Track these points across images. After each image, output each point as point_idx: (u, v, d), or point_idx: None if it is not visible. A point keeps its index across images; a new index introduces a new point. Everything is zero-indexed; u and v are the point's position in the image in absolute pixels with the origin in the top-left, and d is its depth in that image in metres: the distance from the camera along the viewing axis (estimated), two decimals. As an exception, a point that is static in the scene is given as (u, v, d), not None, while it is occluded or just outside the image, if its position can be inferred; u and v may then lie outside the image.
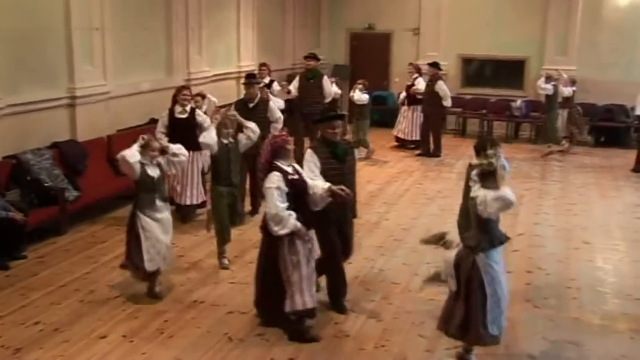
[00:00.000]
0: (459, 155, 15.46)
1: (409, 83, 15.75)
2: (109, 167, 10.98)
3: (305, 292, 6.42)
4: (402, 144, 16.10)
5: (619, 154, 15.72)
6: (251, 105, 10.31)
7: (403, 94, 15.96)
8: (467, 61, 18.72)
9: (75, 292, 7.63)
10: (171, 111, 10.03)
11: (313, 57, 13.88)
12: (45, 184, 9.31)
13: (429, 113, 15.13)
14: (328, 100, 13.49)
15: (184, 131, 9.56)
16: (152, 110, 11.74)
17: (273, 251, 6.45)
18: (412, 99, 15.65)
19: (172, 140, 8.86)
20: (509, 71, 18.12)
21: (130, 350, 6.37)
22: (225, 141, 8.38)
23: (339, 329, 6.84)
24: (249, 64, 16.03)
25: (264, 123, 9.90)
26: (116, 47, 11.61)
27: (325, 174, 6.77)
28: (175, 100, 10.09)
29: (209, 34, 14.54)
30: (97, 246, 9.13)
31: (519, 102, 17.34)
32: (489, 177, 5.91)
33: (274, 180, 6.29)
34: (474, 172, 6.07)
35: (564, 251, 9.31)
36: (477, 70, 18.62)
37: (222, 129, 8.44)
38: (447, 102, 15.23)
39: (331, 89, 13.70)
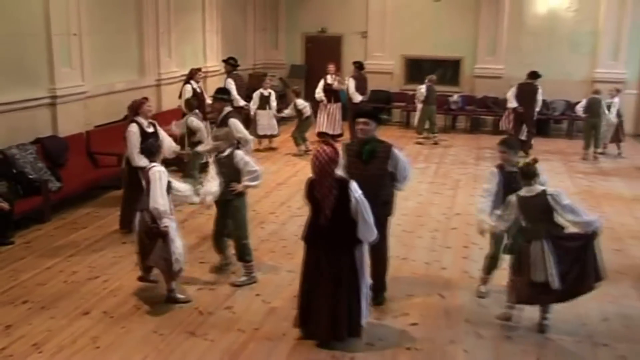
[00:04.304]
0: (403, 144, 15.61)
1: (332, 82, 15.03)
2: (88, 160, 10.96)
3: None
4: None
5: (542, 142, 15.95)
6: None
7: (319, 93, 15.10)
8: (409, 60, 18.85)
9: (60, 274, 7.62)
10: (140, 126, 8.60)
11: (225, 61, 13.29)
12: (30, 176, 9.24)
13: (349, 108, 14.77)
14: (238, 105, 12.80)
15: None
16: (127, 108, 11.52)
17: (352, 262, 5.89)
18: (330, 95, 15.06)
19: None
20: (447, 69, 18.35)
21: (110, 324, 6.40)
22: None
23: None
24: (214, 65, 16.00)
25: None
26: (92, 50, 11.52)
27: (348, 173, 6.19)
28: (137, 113, 8.71)
29: (177, 37, 14.46)
30: (78, 232, 9.08)
31: (455, 97, 17.58)
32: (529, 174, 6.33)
33: (359, 188, 5.78)
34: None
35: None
36: (419, 69, 18.71)
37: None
38: (354, 98, 14.88)
39: (233, 93, 12.76)
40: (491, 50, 17.84)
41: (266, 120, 14.33)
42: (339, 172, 5.86)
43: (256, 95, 14.33)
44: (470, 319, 6.62)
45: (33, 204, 9.15)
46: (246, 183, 7.35)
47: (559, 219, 6.25)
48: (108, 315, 6.59)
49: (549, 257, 6.12)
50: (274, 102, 14.46)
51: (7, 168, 9.13)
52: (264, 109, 14.30)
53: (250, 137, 9.33)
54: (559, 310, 6.68)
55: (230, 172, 7.31)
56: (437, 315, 6.76)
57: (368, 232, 5.84)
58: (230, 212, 7.43)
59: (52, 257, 8.11)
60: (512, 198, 6.34)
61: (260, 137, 14.39)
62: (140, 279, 7.19)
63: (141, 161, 7.98)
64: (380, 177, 6.57)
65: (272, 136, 14.66)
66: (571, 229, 6.30)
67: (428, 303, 7.06)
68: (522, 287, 6.32)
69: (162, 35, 13.86)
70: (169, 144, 8.99)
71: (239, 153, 7.42)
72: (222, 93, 9.78)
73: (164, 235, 6.65)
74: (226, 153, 7.35)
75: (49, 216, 9.44)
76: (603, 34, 17.05)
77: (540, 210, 6.21)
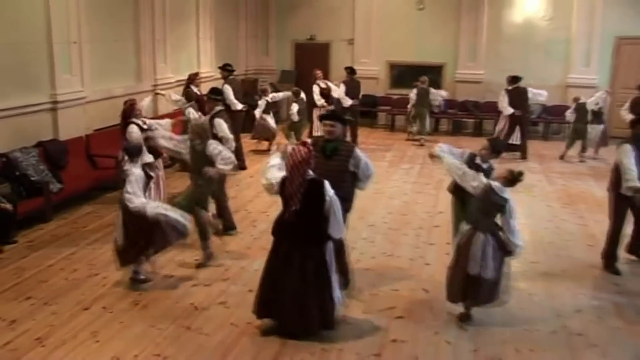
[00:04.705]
0: (388, 146, 15.68)
1: (325, 87, 15.07)
2: (88, 162, 10.94)
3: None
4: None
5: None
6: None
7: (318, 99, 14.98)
8: (394, 66, 18.90)
9: (61, 271, 7.60)
10: (138, 125, 9.03)
11: (221, 68, 13.31)
12: (32, 178, 9.22)
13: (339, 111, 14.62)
14: (235, 109, 12.74)
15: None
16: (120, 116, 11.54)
17: (322, 257, 5.95)
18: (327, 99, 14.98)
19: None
20: (430, 74, 18.33)
21: (109, 319, 6.39)
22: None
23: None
24: (208, 70, 15.99)
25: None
26: (92, 57, 11.51)
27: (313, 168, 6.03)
28: (130, 116, 9.15)
29: (172, 44, 14.44)
30: (78, 231, 9.06)
31: (443, 93, 17.55)
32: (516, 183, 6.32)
33: (331, 189, 5.86)
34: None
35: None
36: (403, 74, 18.76)
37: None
38: (344, 103, 14.78)
39: (231, 98, 12.69)
40: (471, 56, 17.95)
41: (272, 122, 14.67)
42: (311, 172, 5.87)
43: (262, 102, 14.53)
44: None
45: (35, 205, 9.12)
46: (220, 167, 7.66)
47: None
48: (107, 311, 6.58)
49: (488, 250, 6.19)
50: (281, 94, 15.16)
51: (10, 170, 9.10)
52: (269, 113, 14.60)
53: (230, 136, 9.32)
54: (536, 303, 6.78)
55: (201, 159, 7.64)
56: (422, 309, 6.80)
57: (338, 229, 5.91)
58: (192, 188, 7.78)
59: (53, 255, 8.08)
60: (485, 179, 6.40)
61: (260, 139, 14.75)
62: (134, 280, 7.20)
63: (147, 157, 8.42)
64: (340, 173, 6.59)
65: (273, 135, 14.82)
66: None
67: (413, 297, 7.09)
68: (458, 281, 6.39)
69: (158, 42, 13.83)
70: (164, 126, 9.50)
71: (213, 142, 7.69)
72: (215, 94, 9.97)
73: (156, 223, 6.85)
74: (198, 142, 7.69)
75: (51, 216, 9.41)
76: (575, 41, 17.21)
77: (495, 209, 6.27)
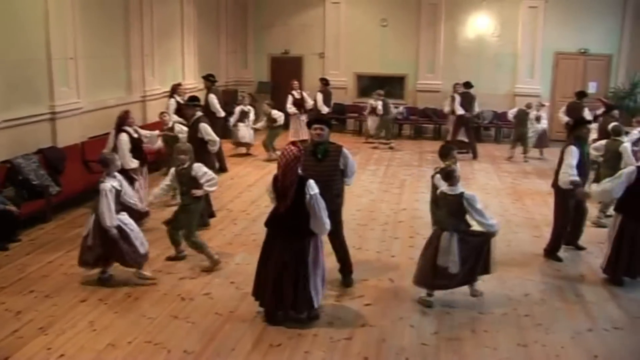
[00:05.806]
0: (356, 149, 15.74)
1: (298, 97, 15.17)
2: (83, 167, 10.83)
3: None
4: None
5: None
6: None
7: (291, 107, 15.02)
8: (360, 77, 19.00)
9: (60, 267, 7.56)
10: (129, 134, 8.91)
11: (205, 78, 13.23)
12: (34, 182, 9.13)
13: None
14: (220, 116, 12.65)
15: (139, 149, 9.16)
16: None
17: (303, 251, 5.95)
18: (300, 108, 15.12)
19: (135, 158, 8.87)
20: (393, 84, 18.50)
21: (105, 310, 6.38)
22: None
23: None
24: (192, 82, 15.93)
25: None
26: (87, 71, 11.42)
27: (305, 170, 6.07)
28: (123, 124, 8.96)
29: (159, 59, 14.34)
30: (75, 230, 8.90)
31: (401, 108, 17.67)
32: (450, 176, 6.40)
33: (316, 187, 5.86)
34: (438, 176, 6.47)
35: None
36: (369, 84, 18.85)
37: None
38: (322, 110, 14.86)
39: (217, 106, 12.68)
40: (430, 68, 18.11)
41: (245, 132, 14.49)
42: (299, 170, 5.89)
43: (237, 110, 14.49)
44: (416, 299, 6.71)
45: (36, 206, 9.05)
46: (206, 188, 7.56)
47: (469, 218, 6.44)
48: (103, 302, 6.57)
49: (454, 247, 6.31)
50: (252, 116, 14.65)
51: (14, 175, 9.03)
52: (243, 122, 14.48)
53: (217, 138, 9.34)
54: (489, 289, 6.87)
55: (189, 182, 7.47)
56: (388, 297, 6.87)
57: (319, 225, 5.90)
58: (184, 214, 7.53)
59: (53, 252, 8.03)
60: (441, 184, 6.57)
61: (238, 145, 14.62)
62: (102, 280, 7.10)
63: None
64: (332, 173, 6.67)
65: (248, 145, 14.71)
66: (477, 228, 6.53)
67: (380, 286, 7.16)
68: (426, 270, 6.50)
69: (147, 57, 13.74)
70: (151, 137, 9.61)
71: (197, 165, 7.56)
72: (193, 100, 9.88)
73: (116, 242, 6.80)
74: (186, 165, 7.51)
75: (50, 216, 9.33)
76: (521, 56, 17.52)
77: (455, 208, 6.37)
